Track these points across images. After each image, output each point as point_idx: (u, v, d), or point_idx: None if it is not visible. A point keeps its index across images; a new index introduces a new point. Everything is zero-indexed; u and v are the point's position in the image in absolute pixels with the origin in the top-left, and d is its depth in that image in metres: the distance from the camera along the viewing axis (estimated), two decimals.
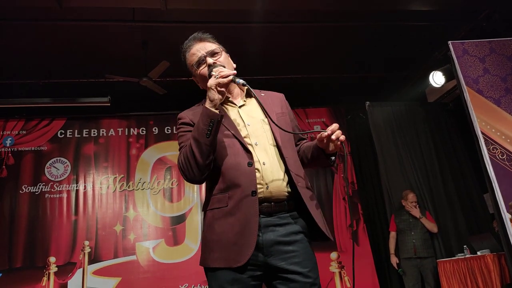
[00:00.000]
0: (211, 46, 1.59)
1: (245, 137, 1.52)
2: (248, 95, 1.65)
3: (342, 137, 1.42)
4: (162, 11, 3.71)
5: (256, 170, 1.46)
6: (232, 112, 1.59)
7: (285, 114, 1.65)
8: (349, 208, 5.33)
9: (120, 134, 5.31)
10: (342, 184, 5.42)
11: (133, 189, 5.09)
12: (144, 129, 5.35)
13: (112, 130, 5.31)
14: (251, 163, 1.46)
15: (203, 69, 1.56)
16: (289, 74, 5.11)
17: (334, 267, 4.96)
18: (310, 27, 4.48)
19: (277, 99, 1.69)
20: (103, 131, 5.28)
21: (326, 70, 5.21)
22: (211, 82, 1.42)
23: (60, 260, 4.67)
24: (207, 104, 1.43)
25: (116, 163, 5.19)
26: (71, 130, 5.23)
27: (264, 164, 1.48)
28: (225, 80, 1.41)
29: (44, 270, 4.57)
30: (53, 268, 4.60)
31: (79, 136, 5.23)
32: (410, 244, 4.53)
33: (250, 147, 1.50)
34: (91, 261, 4.71)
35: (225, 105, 1.60)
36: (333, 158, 1.55)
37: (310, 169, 1.48)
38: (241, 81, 1.44)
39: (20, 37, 4.09)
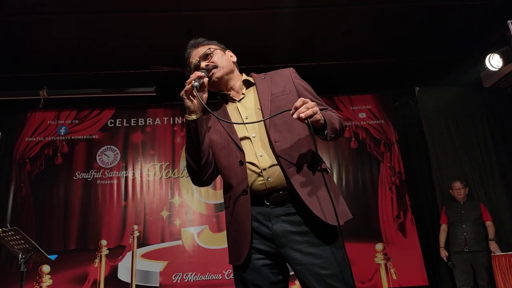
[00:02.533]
0: (203, 49, 1.63)
1: (243, 132, 1.52)
2: (249, 85, 1.65)
3: (303, 114, 1.31)
4: None
5: (251, 165, 1.46)
6: (231, 108, 1.60)
7: (287, 92, 1.57)
8: (396, 198, 5.13)
9: (165, 123, 5.43)
10: (388, 174, 5.24)
11: (178, 176, 5.21)
12: None
13: (158, 119, 5.44)
14: (242, 162, 1.46)
15: None
16: (333, 60, 4.97)
17: (379, 259, 4.83)
18: (355, 10, 4.30)
19: (280, 77, 1.63)
20: (149, 120, 5.43)
21: (372, 55, 5.01)
22: (181, 91, 1.45)
23: (111, 243, 4.88)
24: (186, 113, 1.48)
25: (162, 151, 5.33)
26: (120, 119, 5.42)
27: (261, 156, 1.46)
28: (189, 86, 1.42)
29: (96, 252, 4.81)
30: (105, 251, 4.83)
31: (128, 125, 5.41)
32: (461, 237, 4.33)
33: (247, 142, 1.49)
34: (139, 245, 4.89)
35: (229, 103, 1.63)
36: (326, 131, 1.41)
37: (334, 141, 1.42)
38: (196, 84, 1.43)
39: (69, 30, 4.25)
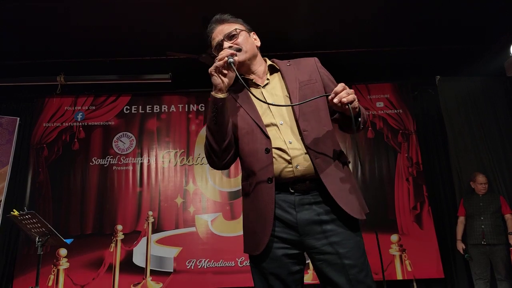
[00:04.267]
0: (229, 28, 1.54)
1: (269, 118, 1.48)
2: (273, 70, 1.60)
3: (345, 99, 1.28)
4: None
5: (279, 151, 1.42)
6: (255, 93, 1.53)
7: (314, 81, 1.54)
8: (413, 189, 5.04)
9: (180, 110, 5.43)
10: (405, 164, 5.15)
11: (193, 163, 5.23)
12: (203, 105, 5.42)
13: (173, 106, 5.44)
14: (268, 150, 1.42)
15: None
16: (351, 48, 4.86)
17: (394, 250, 4.78)
18: None
19: (305, 66, 1.59)
20: (164, 107, 5.43)
21: (391, 43, 4.88)
22: (211, 68, 1.39)
23: (127, 228, 4.94)
24: (212, 91, 1.41)
25: (177, 138, 5.33)
26: (136, 106, 5.43)
27: (290, 143, 1.43)
28: (221, 62, 1.36)
29: (112, 237, 4.88)
30: (120, 236, 4.89)
31: (143, 111, 5.42)
32: (478, 230, 4.23)
33: (273, 129, 1.45)
34: (154, 231, 4.93)
35: (251, 88, 1.56)
36: (359, 119, 1.42)
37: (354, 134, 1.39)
38: (231, 60, 1.37)
39: (86, 16, 4.23)
